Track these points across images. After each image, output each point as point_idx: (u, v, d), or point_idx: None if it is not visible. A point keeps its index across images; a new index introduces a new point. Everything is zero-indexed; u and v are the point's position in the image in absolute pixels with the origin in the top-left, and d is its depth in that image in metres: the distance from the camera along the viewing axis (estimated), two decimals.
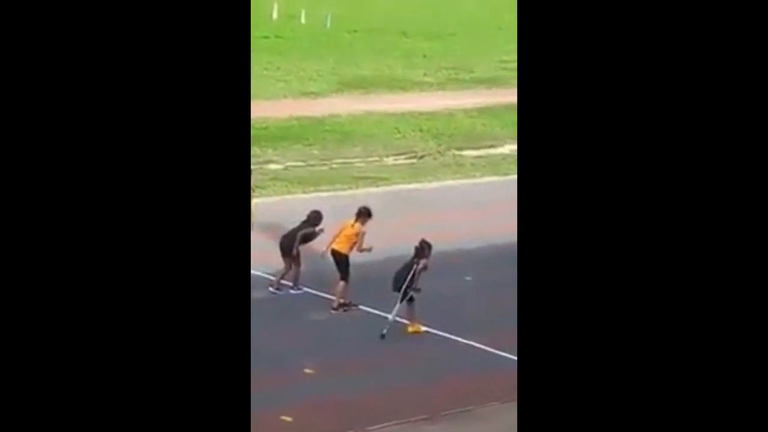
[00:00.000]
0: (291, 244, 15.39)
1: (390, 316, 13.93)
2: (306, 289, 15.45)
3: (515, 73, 6.71)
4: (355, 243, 14.85)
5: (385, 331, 13.81)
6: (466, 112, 29.17)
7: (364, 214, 14.97)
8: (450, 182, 22.92)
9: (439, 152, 25.26)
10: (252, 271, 16.11)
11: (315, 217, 15.48)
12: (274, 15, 50.87)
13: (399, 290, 14.00)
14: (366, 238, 14.89)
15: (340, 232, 14.94)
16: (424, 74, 34.45)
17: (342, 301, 14.87)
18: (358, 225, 14.88)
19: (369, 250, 14.94)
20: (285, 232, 15.72)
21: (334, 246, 14.89)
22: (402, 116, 28.42)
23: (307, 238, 15.44)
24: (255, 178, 20.58)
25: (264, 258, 16.13)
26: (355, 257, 14.98)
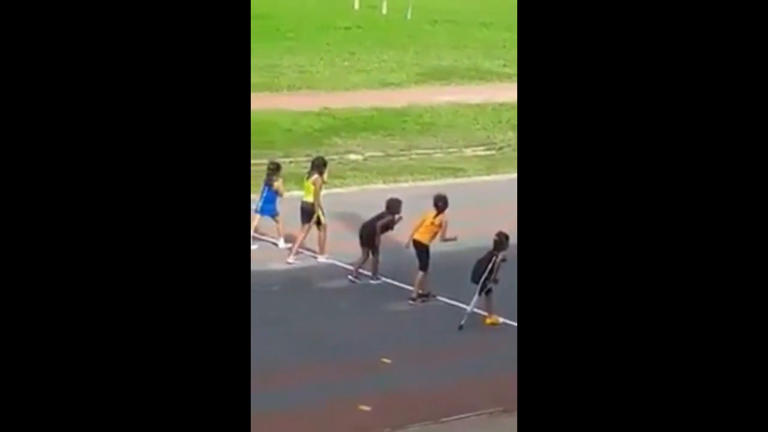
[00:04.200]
0: (370, 233, 15.43)
1: (468, 308, 13.92)
2: (385, 279, 15.50)
3: None
4: (436, 233, 14.84)
5: (463, 322, 13.81)
6: None
7: (441, 203, 14.95)
8: None
9: None
10: (332, 261, 16.29)
11: (394, 205, 15.51)
12: (356, 5, 50.93)
13: (478, 282, 13.99)
14: (454, 234, 14.89)
15: (422, 222, 14.95)
16: (504, 65, 34.26)
17: (421, 291, 14.89)
18: (440, 215, 14.88)
19: (454, 239, 14.91)
20: (364, 222, 15.79)
21: (416, 236, 14.90)
22: (481, 107, 28.34)
23: (387, 226, 15.47)
24: (335, 169, 20.70)
25: (343, 247, 16.24)
26: (434, 248, 14.98)
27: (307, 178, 16.42)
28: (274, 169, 17.05)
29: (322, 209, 16.28)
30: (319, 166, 16.51)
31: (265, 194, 16.80)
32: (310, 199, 16.26)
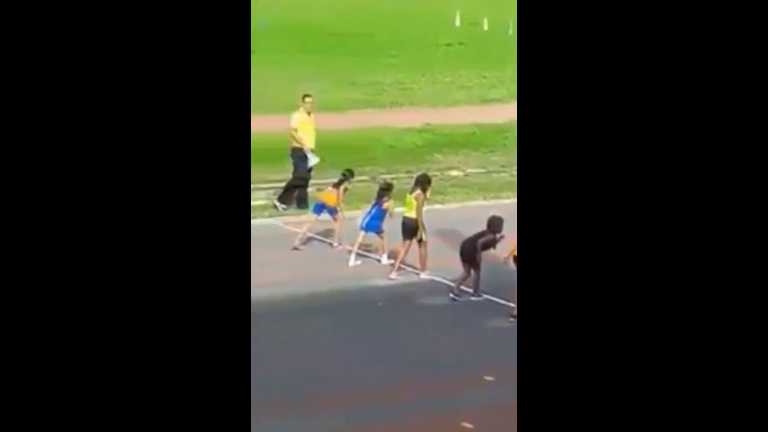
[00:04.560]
0: (471, 250, 15.46)
1: None
2: (486, 295, 15.50)
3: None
4: None
5: None
6: None
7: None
8: None
9: None
10: (432, 277, 16.34)
11: (496, 223, 15.51)
12: (457, 22, 50.96)
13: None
14: None
15: None
16: None
17: None
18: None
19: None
20: (465, 238, 15.81)
21: (516, 253, 14.88)
22: None
23: (488, 245, 15.48)
24: (436, 185, 20.73)
25: (444, 264, 16.28)
26: None
27: (410, 194, 16.53)
28: (386, 188, 17.22)
29: (423, 226, 16.36)
30: (422, 182, 16.61)
31: (373, 212, 16.99)
32: (412, 214, 16.35)
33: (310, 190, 20.46)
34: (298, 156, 20.37)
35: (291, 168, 20.51)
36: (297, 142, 20.34)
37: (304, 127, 20.45)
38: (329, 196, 18.09)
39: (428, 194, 16.75)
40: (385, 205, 16.90)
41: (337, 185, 18.14)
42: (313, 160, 20.38)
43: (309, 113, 20.61)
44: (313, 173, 20.56)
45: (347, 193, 18.31)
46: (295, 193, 20.41)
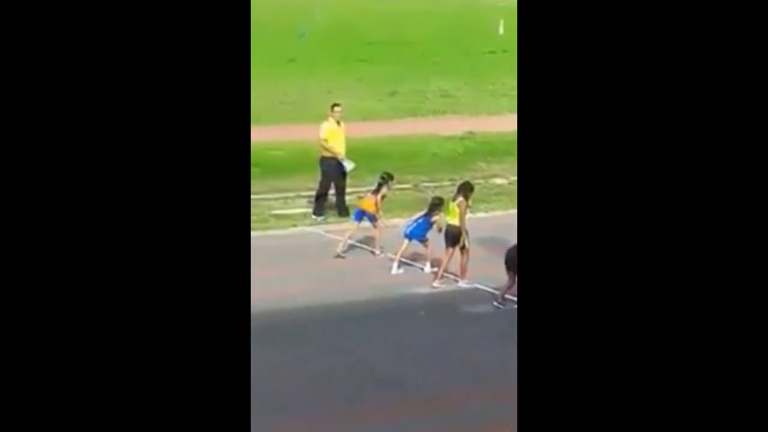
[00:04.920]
0: (515, 258, 15.33)
1: None
2: None
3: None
4: None
5: None
6: None
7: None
8: None
9: None
10: (476, 285, 16.22)
11: None
12: (501, 30, 50.88)
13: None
14: None
15: None
16: None
17: None
18: None
19: None
20: (509, 246, 15.69)
21: None
22: None
23: None
24: (480, 193, 20.64)
25: (488, 272, 16.17)
26: None
27: (452, 201, 16.43)
28: (438, 203, 17.09)
29: (467, 233, 16.25)
30: (465, 189, 16.51)
31: (420, 221, 16.92)
32: (455, 222, 16.25)
33: (350, 197, 20.42)
34: (327, 164, 20.35)
35: (319, 177, 20.48)
36: (328, 151, 20.33)
37: (333, 136, 20.46)
38: (368, 202, 18.04)
39: (470, 202, 16.65)
40: (434, 218, 16.80)
41: (375, 191, 18.08)
42: (349, 166, 20.36)
43: (338, 122, 20.61)
44: (348, 180, 20.52)
45: (386, 199, 18.26)
46: (326, 202, 20.39)
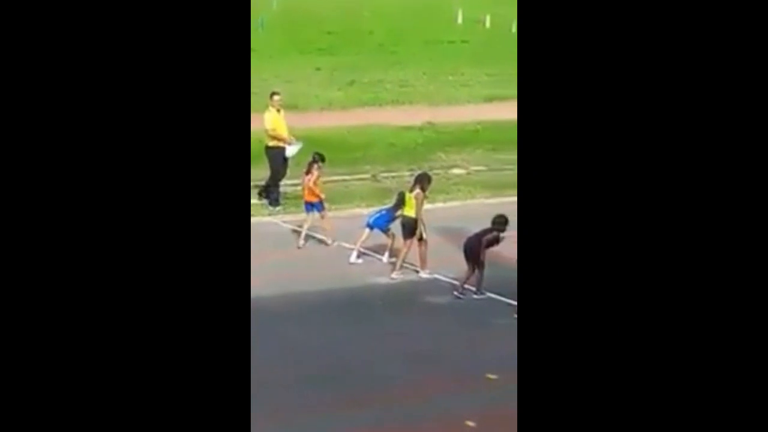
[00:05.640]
0: (475, 248, 15.30)
1: None
2: (489, 294, 15.34)
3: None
4: None
5: None
6: None
7: (500, 222, 14.96)
8: None
9: None
10: (434, 275, 16.18)
11: (500, 222, 15.35)
12: (459, 19, 50.87)
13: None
14: None
15: None
16: None
17: None
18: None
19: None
20: (468, 236, 15.65)
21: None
22: None
23: (491, 243, 15.32)
24: (439, 183, 20.58)
25: (447, 262, 16.13)
26: None
27: (409, 192, 16.35)
28: (401, 200, 16.93)
29: (423, 224, 16.18)
30: (422, 181, 16.42)
31: (384, 213, 16.84)
32: (411, 213, 16.18)
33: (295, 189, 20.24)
34: (274, 154, 20.26)
35: (269, 168, 20.30)
36: (274, 140, 20.22)
37: (278, 125, 20.41)
38: (310, 192, 17.83)
39: (428, 193, 16.57)
40: (398, 213, 16.71)
41: (307, 172, 17.86)
42: (297, 146, 20.26)
43: (279, 110, 20.54)
44: (289, 167, 20.36)
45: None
46: (279, 192, 20.29)
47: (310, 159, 18.15)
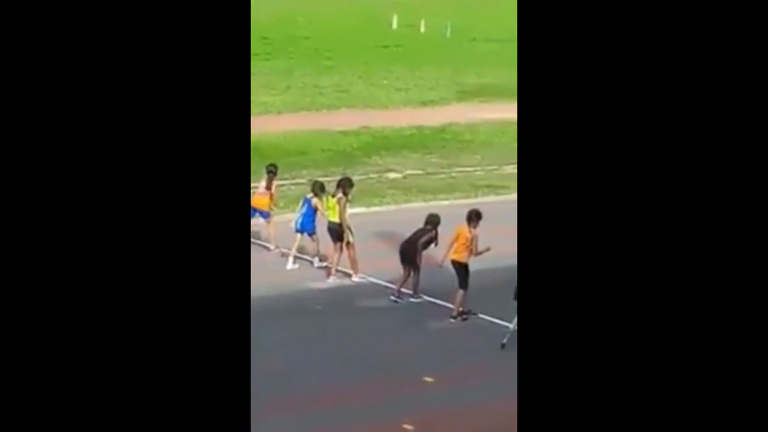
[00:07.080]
0: (411, 251, 15.34)
1: (510, 325, 13.79)
2: (426, 297, 15.41)
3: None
4: (472, 250, 14.73)
5: (505, 341, 13.67)
6: None
7: (474, 217, 14.85)
8: None
9: None
10: (372, 279, 16.22)
11: (434, 221, 15.42)
12: (394, 24, 50.99)
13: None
14: (486, 246, 14.76)
15: (455, 240, 14.81)
16: None
17: (461, 309, 14.78)
18: (471, 230, 14.75)
19: (487, 250, 14.79)
20: (403, 240, 15.70)
21: (453, 256, 14.79)
22: None
23: (428, 244, 15.38)
24: (374, 187, 20.66)
25: (383, 266, 16.17)
26: (473, 266, 14.87)
27: (332, 197, 16.35)
28: (320, 188, 17.00)
29: (349, 228, 16.19)
30: (344, 185, 16.40)
31: (304, 210, 16.85)
32: (335, 218, 16.18)
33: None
34: None
35: None
36: None
37: None
38: (262, 200, 17.82)
39: (350, 197, 16.57)
40: (313, 201, 16.72)
41: (267, 187, 17.91)
42: None
43: None
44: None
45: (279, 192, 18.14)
46: None
47: (266, 173, 18.05)
